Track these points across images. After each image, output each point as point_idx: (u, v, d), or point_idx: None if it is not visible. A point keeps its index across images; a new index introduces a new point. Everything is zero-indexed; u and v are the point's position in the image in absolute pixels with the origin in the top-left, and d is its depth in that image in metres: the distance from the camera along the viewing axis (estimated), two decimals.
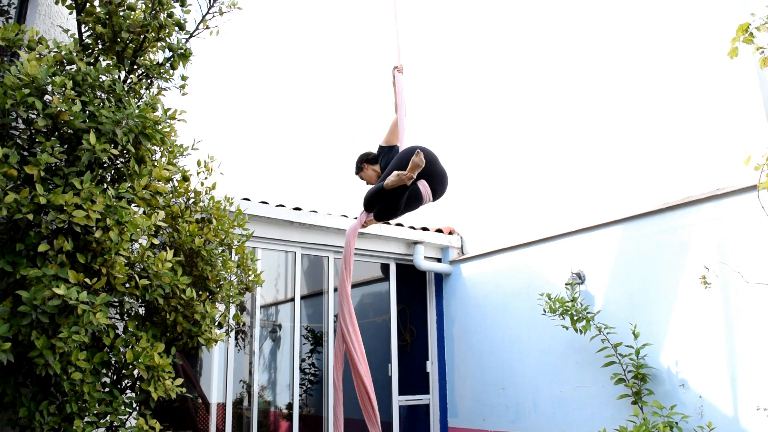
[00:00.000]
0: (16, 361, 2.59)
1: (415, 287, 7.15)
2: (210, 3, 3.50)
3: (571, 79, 5.99)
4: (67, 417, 2.71)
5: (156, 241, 2.99)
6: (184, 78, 3.41)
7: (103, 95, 2.88)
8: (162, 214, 3.00)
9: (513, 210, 6.39)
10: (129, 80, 3.26)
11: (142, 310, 3.26)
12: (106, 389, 2.90)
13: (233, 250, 3.71)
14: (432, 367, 6.94)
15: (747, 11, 3.66)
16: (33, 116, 2.68)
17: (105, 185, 2.88)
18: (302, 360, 6.33)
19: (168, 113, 3.00)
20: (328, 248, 6.32)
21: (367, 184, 4.32)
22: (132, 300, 3.10)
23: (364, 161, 4.35)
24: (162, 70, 3.30)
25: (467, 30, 7.48)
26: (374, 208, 3.94)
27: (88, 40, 3.25)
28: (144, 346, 2.85)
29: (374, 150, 4.38)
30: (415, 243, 6.83)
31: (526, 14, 6.66)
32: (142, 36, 3.19)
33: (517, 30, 6.75)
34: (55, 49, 2.91)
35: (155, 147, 3.05)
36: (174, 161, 3.25)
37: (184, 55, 3.33)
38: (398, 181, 3.65)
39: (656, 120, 5.13)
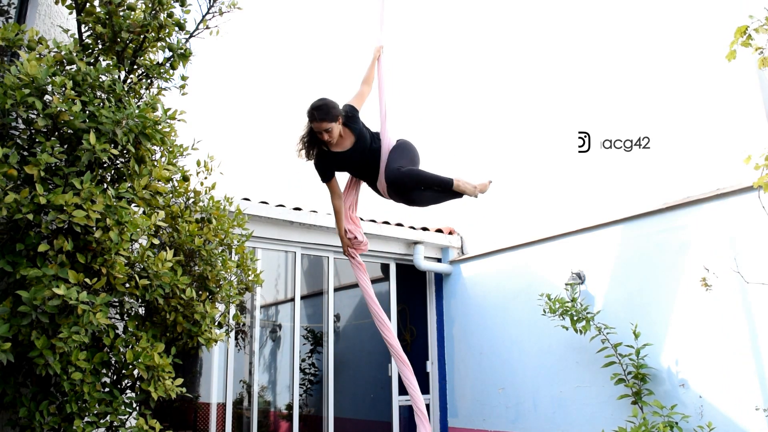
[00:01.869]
0: (16, 361, 2.59)
1: (415, 287, 7.14)
2: (210, 3, 3.50)
3: (572, 79, 5.99)
4: (67, 417, 2.71)
5: (156, 241, 2.99)
6: (184, 78, 3.41)
7: (103, 95, 2.88)
8: (162, 214, 3.00)
9: (513, 210, 6.39)
10: (129, 80, 3.26)
11: (142, 310, 3.26)
12: (106, 389, 2.90)
13: (233, 250, 3.71)
14: (432, 367, 6.94)
15: (746, 11, 3.66)
16: (33, 116, 2.68)
17: (105, 185, 2.88)
18: (302, 360, 6.34)
19: (168, 113, 3.00)
20: (328, 248, 6.32)
21: (326, 140, 3.54)
22: (132, 300, 3.10)
23: (344, 114, 3.58)
24: (162, 70, 3.30)
25: (466, 28, 7.48)
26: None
27: (88, 40, 3.25)
28: (144, 346, 2.84)
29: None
30: (415, 243, 6.83)
31: (527, 15, 6.66)
32: (142, 36, 3.19)
33: (517, 29, 6.75)
34: (55, 49, 2.91)
35: (155, 147, 3.04)
36: (174, 161, 3.25)
37: (184, 55, 3.33)
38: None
39: (656, 120, 5.13)
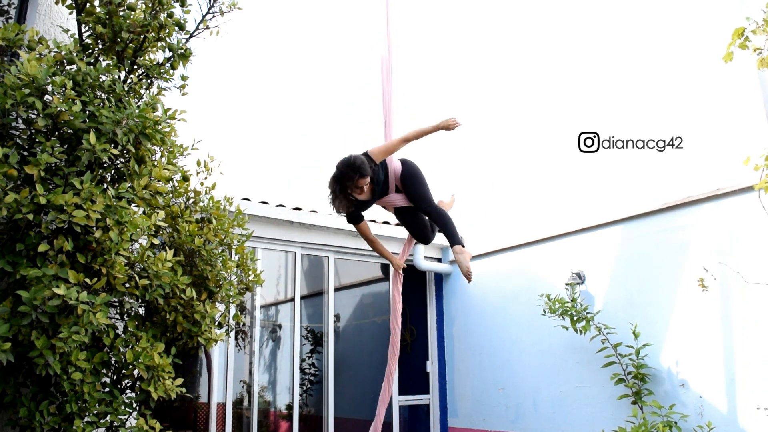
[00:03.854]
0: (16, 361, 2.59)
1: (415, 287, 7.14)
2: (210, 3, 3.50)
3: (571, 79, 5.99)
4: (67, 417, 2.71)
5: (156, 241, 2.99)
6: (184, 78, 3.41)
7: (103, 95, 2.88)
8: (162, 214, 3.00)
9: (513, 210, 6.39)
10: (129, 80, 3.26)
11: (142, 310, 3.26)
12: (106, 389, 2.90)
13: (233, 250, 3.71)
14: (432, 367, 6.93)
15: (745, 11, 3.66)
16: (33, 116, 2.68)
17: (105, 185, 2.88)
18: (302, 360, 6.33)
19: (168, 113, 3.00)
20: (328, 248, 6.32)
21: (359, 194, 3.69)
22: (132, 300, 3.10)
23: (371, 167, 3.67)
24: (162, 70, 3.30)
25: (466, 27, 7.48)
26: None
27: (88, 40, 3.25)
28: (144, 346, 2.85)
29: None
30: (415, 243, 6.82)
31: (528, 15, 6.66)
32: (142, 36, 3.19)
33: (517, 30, 6.75)
34: (55, 49, 2.91)
35: (155, 147, 3.05)
36: (174, 161, 3.26)
37: (184, 55, 3.33)
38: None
39: (656, 120, 5.13)
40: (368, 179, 3.59)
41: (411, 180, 3.83)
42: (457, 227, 3.88)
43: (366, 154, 3.70)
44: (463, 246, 3.78)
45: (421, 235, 4.16)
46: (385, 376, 4.19)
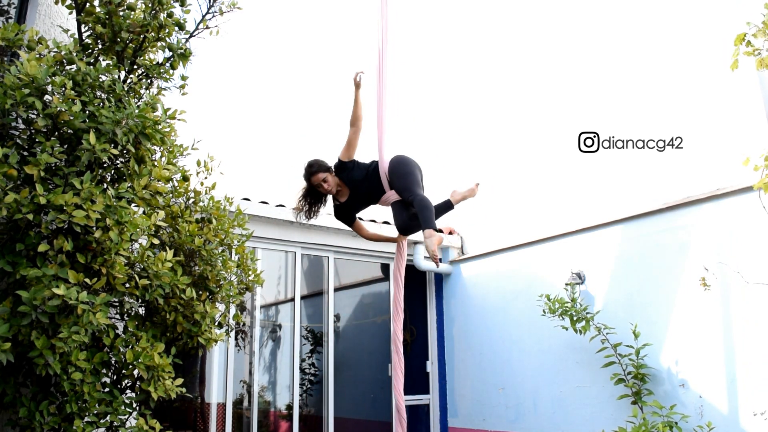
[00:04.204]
0: (16, 361, 2.59)
1: (415, 287, 7.14)
2: (210, 3, 3.50)
3: (572, 79, 5.99)
4: (67, 417, 2.71)
5: (156, 241, 2.99)
6: (184, 78, 3.41)
7: (103, 95, 2.88)
8: (162, 214, 3.00)
9: (513, 210, 6.39)
10: (129, 80, 3.26)
11: (142, 310, 3.26)
12: (106, 389, 2.90)
13: (233, 250, 3.71)
14: (432, 367, 6.93)
15: (744, 12, 3.65)
16: (33, 116, 2.68)
17: (105, 185, 2.88)
18: (302, 360, 6.33)
19: (168, 113, 3.00)
20: (328, 248, 6.32)
21: (327, 190, 3.96)
22: (132, 300, 3.10)
23: (332, 167, 4.02)
24: (162, 70, 3.30)
25: (466, 26, 7.48)
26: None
27: (88, 40, 3.25)
28: (144, 346, 2.85)
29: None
30: (415, 243, 6.83)
31: (531, 16, 6.66)
32: (142, 36, 3.19)
33: (518, 30, 6.75)
34: (55, 49, 2.91)
35: (155, 147, 3.05)
36: (174, 161, 3.26)
37: (184, 55, 3.33)
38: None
39: (656, 120, 5.13)
40: (322, 175, 3.89)
41: (394, 173, 3.92)
42: (434, 216, 3.80)
43: (338, 159, 4.00)
44: (436, 230, 3.78)
45: (402, 227, 4.08)
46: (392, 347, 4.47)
